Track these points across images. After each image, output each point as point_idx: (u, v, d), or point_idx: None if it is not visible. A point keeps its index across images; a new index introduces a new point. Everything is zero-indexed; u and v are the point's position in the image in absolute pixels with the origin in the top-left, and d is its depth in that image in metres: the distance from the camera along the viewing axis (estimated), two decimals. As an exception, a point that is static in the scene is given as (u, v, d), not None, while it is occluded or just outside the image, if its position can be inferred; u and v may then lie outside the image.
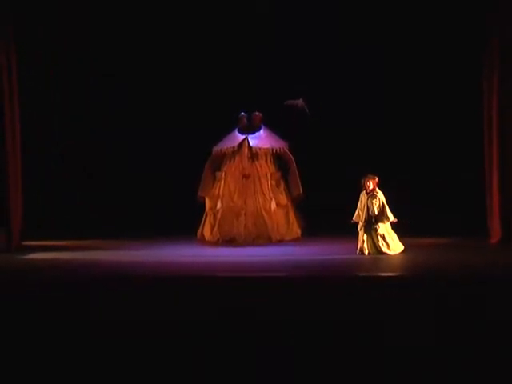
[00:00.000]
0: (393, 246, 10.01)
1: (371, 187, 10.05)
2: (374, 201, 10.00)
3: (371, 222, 9.99)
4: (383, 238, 9.98)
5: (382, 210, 10.00)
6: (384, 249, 9.93)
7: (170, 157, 12.65)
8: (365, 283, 7.95)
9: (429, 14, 11.90)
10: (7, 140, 11.31)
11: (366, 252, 9.93)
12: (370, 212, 9.99)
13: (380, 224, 9.97)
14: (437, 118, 12.23)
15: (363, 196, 10.11)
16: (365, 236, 9.98)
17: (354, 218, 10.14)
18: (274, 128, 12.11)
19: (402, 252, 10.02)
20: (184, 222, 11.83)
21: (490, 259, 9.45)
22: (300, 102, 11.87)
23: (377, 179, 10.09)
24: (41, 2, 12.06)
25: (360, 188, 10.13)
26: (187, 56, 12.62)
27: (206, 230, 11.89)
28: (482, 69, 11.02)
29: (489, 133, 11.00)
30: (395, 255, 9.93)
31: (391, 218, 9.99)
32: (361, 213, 10.08)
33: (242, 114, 12.10)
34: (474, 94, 11.24)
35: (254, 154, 11.89)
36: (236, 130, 12.11)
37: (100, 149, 12.81)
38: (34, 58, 12.17)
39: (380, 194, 10.04)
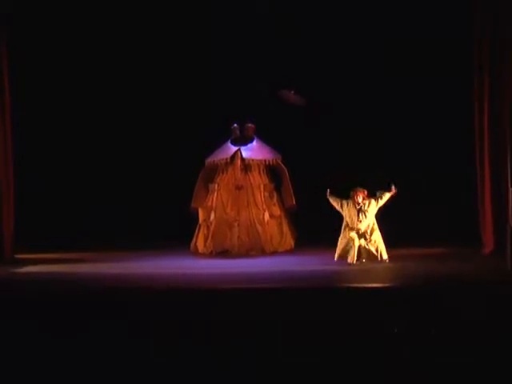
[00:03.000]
0: (384, 250, 10.09)
1: (360, 200, 10.14)
2: (366, 212, 10.06)
3: (364, 233, 10.05)
4: (378, 244, 10.05)
5: (379, 195, 10.10)
6: (378, 255, 10.03)
7: (163, 168, 12.62)
8: (357, 294, 7.95)
9: (420, 15, 11.90)
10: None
11: (362, 259, 10.02)
12: (366, 223, 10.04)
13: (374, 233, 10.06)
14: (429, 127, 12.22)
15: (350, 206, 10.14)
16: (357, 244, 10.03)
17: (334, 197, 10.25)
18: (267, 139, 12.12)
19: (395, 262, 10.04)
20: (177, 233, 11.81)
21: (482, 269, 9.47)
22: (292, 95, 11.89)
23: (366, 192, 10.20)
24: (35, 5, 12.01)
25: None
26: (180, 68, 12.60)
27: (200, 241, 11.86)
28: (473, 75, 11.05)
29: (480, 143, 11.00)
30: (388, 265, 9.95)
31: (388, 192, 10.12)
32: (348, 220, 10.15)
33: (235, 125, 12.10)
34: (466, 104, 11.26)
35: (246, 166, 11.89)
36: (229, 141, 12.11)
37: (92, 160, 12.77)
38: (27, 66, 12.11)
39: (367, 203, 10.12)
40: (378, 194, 10.22)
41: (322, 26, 12.20)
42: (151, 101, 12.80)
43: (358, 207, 10.14)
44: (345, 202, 10.24)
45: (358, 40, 12.19)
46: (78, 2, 12.28)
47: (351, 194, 10.23)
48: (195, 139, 12.28)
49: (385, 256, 10.09)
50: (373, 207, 10.15)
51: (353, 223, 10.14)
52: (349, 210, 10.20)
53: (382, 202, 10.19)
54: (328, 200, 10.34)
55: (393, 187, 10.18)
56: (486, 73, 10.82)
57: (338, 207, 10.30)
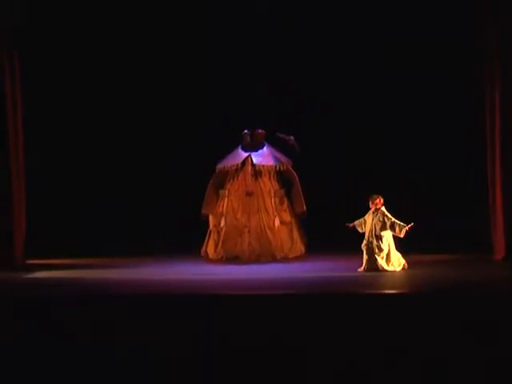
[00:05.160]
0: (396, 263, 10.01)
1: (377, 206, 10.07)
2: (379, 218, 10.00)
3: (373, 242, 9.99)
4: (387, 256, 9.99)
5: (391, 222, 9.94)
6: (386, 267, 9.93)
7: (174, 174, 12.65)
8: (368, 300, 7.93)
9: (428, 17, 11.87)
10: (11, 159, 11.34)
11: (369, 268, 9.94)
12: (377, 232, 9.97)
13: (384, 241, 9.96)
14: (440, 133, 12.20)
15: (369, 215, 10.10)
16: (367, 255, 9.98)
17: (355, 222, 10.14)
18: (277, 145, 12.13)
19: (405, 268, 10.00)
20: (188, 239, 11.82)
21: (493, 275, 9.43)
22: (291, 138, 11.95)
23: (380, 198, 10.09)
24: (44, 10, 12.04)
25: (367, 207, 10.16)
26: (182, 70, 12.62)
27: (210, 247, 11.87)
28: (483, 80, 10.99)
29: (492, 148, 10.95)
30: (398, 272, 9.91)
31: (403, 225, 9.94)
32: (366, 230, 10.07)
33: (245, 131, 12.11)
34: (477, 107, 11.21)
35: (257, 172, 11.88)
36: (239, 147, 12.12)
37: (104, 167, 12.80)
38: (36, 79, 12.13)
39: (383, 209, 10.03)
40: (397, 222, 9.97)
41: (322, 26, 12.19)
42: (163, 107, 12.84)
43: (374, 214, 10.06)
44: (366, 217, 10.11)
45: (357, 39, 12.18)
46: (83, 11, 12.29)
47: (369, 202, 10.12)
48: (206, 145, 12.31)
49: (397, 268, 10.01)
50: (387, 222, 10.01)
51: (369, 231, 10.04)
52: (368, 219, 10.10)
53: (392, 230, 9.97)
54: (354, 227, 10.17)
55: (411, 225, 9.87)
56: (497, 83, 10.80)
57: (364, 227, 10.10)
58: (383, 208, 10.05)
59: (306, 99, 12.56)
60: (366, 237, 10.05)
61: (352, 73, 12.27)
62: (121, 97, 12.72)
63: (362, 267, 9.99)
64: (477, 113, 11.17)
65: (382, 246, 9.97)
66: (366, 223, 10.10)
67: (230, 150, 12.14)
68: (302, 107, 12.59)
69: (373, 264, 9.93)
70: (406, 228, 9.87)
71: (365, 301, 7.90)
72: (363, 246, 10.05)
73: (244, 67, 12.33)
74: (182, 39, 12.48)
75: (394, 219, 9.95)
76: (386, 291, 8.57)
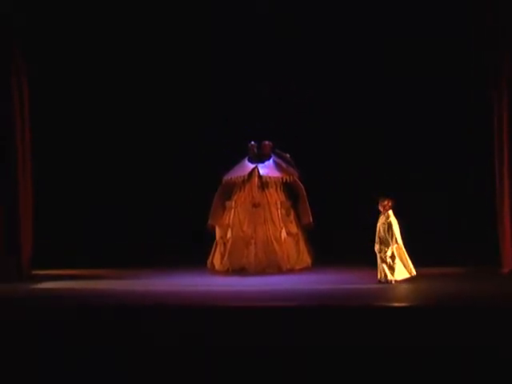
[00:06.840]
0: (398, 271, 9.94)
1: (385, 208, 10.05)
2: (382, 222, 9.98)
3: (378, 245, 9.96)
4: (391, 262, 9.92)
5: (387, 232, 9.94)
6: (390, 276, 9.89)
7: (181, 186, 12.67)
8: (374, 313, 7.91)
9: (428, 17, 11.84)
10: (18, 170, 11.38)
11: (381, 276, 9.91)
12: (381, 234, 9.95)
13: (388, 247, 9.94)
14: (449, 146, 12.17)
15: (380, 217, 10.08)
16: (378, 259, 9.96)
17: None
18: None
19: (412, 282, 9.94)
20: (194, 250, 11.82)
21: (501, 289, 9.38)
22: (287, 156, 11.98)
23: (387, 201, 10.03)
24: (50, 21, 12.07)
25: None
26: (190, 75, 12.65)
27: (216, 259, 11.86)
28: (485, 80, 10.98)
29: (500, 162, 10.91)
30: (405, 285, 9.85)
31: (395, 242, 9.95)
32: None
33: (252, 143, 12.13)
34: (485, 119, 11.19)
35: (264, 183, 11.88)
36: (246, 159, 12.13)
37: (111, 177, 12.83)
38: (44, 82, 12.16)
39: (391, 217, 10.00)
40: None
41: (322, 26, 12.21)
42: (170, 119, 12.87)
43: (384, 217, 10.00)
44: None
45: (358, 39, 12.20)
46: (84, 13, 12.29)
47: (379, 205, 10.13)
48: (213, 157, 12.33)
49: (389, 277, 9.97)
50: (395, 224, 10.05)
51: (380, 234, 9.99)
52: (379, 222, 10.10)
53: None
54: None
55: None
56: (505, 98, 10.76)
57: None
58: (390, 211, 10.02)
59: (306, 99, 12.59)
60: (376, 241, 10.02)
61: (352, 73, 12.28)
62: (122, 101, 12.75)
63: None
64: (477, 113, 11.16)
65: (387, 250, 9.92)
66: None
67: (236, 161, 12.14)
68: (301, 107, 12.61)
69: (381, 273, 9.91)
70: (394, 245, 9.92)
71: (368, 314, 7.88)
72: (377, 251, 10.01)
73: (244, 67, 12.35)
74: (182, 40, 12.50)
75: (391, 230, 9.93)
76: (391, 304, 8.54)
